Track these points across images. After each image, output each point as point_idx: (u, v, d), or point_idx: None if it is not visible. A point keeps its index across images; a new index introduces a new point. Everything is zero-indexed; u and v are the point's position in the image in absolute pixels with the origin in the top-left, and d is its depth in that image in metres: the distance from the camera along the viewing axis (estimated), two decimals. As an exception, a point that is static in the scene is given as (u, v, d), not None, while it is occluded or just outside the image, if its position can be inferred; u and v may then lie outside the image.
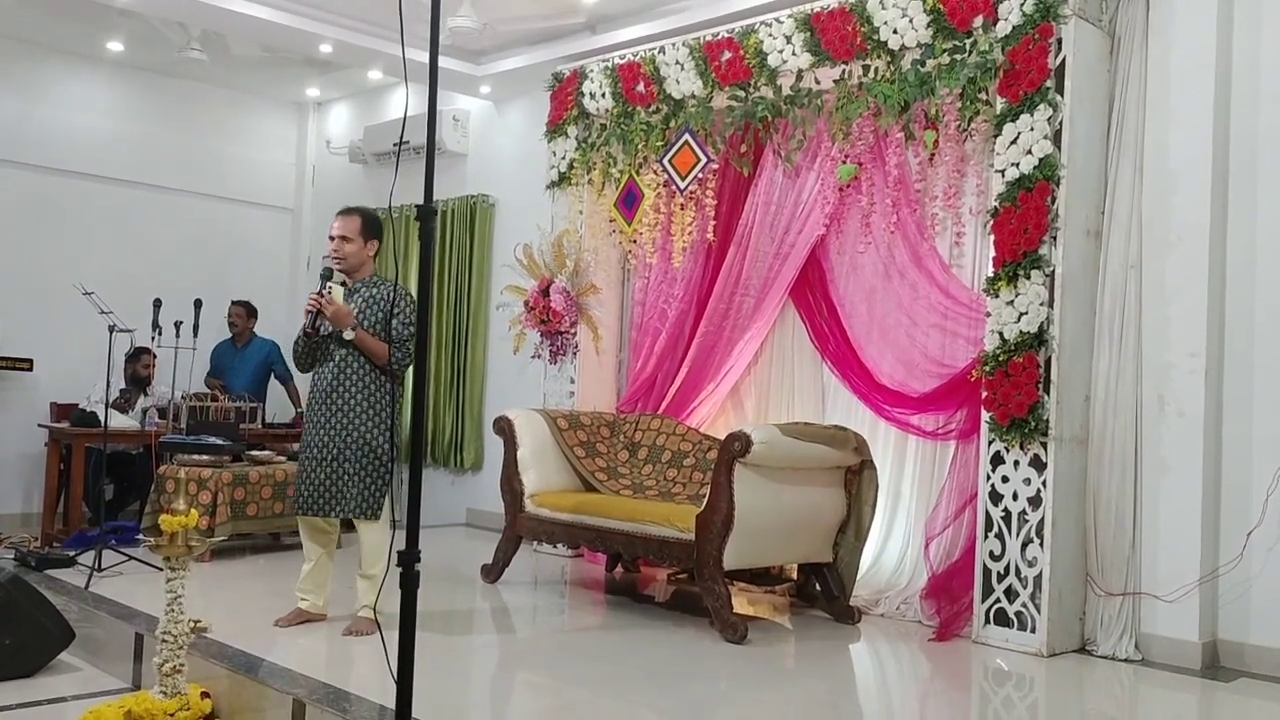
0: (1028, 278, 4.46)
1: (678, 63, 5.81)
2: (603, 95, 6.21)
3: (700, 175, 5.82)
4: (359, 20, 6.67)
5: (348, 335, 4.30)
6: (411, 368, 3.79)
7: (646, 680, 4.02)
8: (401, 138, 3.25)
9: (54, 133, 7.88)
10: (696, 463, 5.55)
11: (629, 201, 6.18)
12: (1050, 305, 4.45)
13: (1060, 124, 4.46)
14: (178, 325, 6.39)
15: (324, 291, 4.29)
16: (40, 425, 7.24)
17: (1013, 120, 4.54)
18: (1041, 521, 4.45)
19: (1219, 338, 4.49)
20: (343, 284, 4.47)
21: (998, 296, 4.55)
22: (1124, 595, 4.48)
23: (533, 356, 6.39)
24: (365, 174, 8.69)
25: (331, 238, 4.44)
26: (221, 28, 6.85)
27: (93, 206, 8.05)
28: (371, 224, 4.44)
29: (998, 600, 4.56)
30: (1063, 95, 4.46)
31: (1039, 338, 4.44)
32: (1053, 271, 4.46)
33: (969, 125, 4.77)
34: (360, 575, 4.41)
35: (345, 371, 4.35)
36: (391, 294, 4.37)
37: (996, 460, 4.60)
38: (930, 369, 5.18)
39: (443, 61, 3.18)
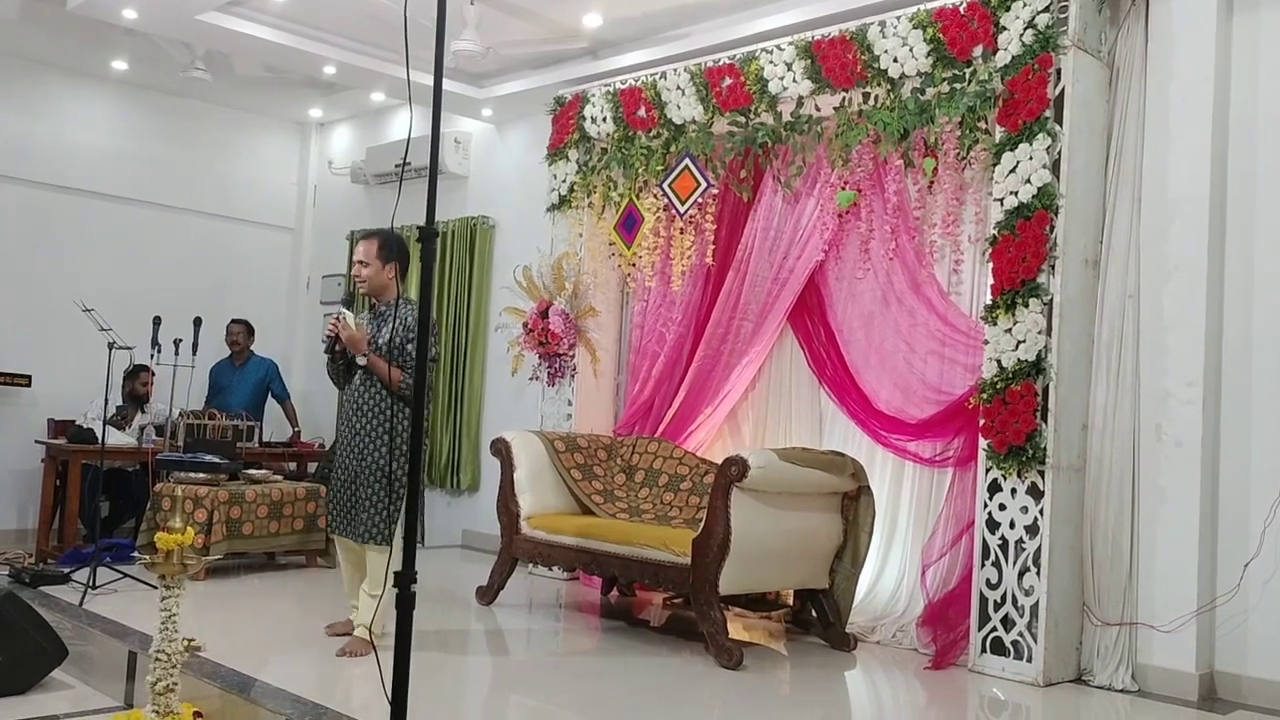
0: (1026, 306, 4.47)
1: (679, 88, 5.84)
2: (604, 119, 6.24)
3: (700, 200, 5.85)
4: (363, 42, 6.71)
5: (360, 361, 4.34)
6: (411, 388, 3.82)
7: (641, 705, 4.00)
8: (404, 160, 3.27)
9: (57, 150, 7.91)
10: (693, 487, 5.54)
11: (629, 225, 6.20)
12: (1048, 334, 4.46)
13: (1059, 153, 4.49)
14: (177, 343, 6.40)
15: (338, 316, 4.34)
16: (37, 441, 7.23)
17: (1012, 149, 4.56)
18: (1038, 550, 4.44)
19: (1216, 367, 4.50)
20: (371, 308, 4.51)
21: (996, 324, 4.57)
22: (1121, 625, 4.47)
23: (531, 378, 6.40)
24: (367, 195, 8.72)
25: (353, 263, 4.48)
26: (226, 48, 6.88)
27: (94, 224, 8.07)
28: (389, 246, 4.43)
29: (994, 629, 4.55)
30: (1061, 125, 4.49)
31: (1037, 366, 4.45)
32: (1051, 300, 4.47)
33: (968, 153, 4.80)
34: (366, 593, 4.40)
35: (364, 396, 4.39)
36: (410, 318, 4.38)
37: (994, 488, 4.59)
38: (928, 396, 5.19)
39: (445, 84, 3.19)
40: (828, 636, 4.96)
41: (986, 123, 4.73)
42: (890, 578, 5.32)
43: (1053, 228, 4.46)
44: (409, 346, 4.30)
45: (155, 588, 3.64)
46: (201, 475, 6.00)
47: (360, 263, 4.41)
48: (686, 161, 5.87)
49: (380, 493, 4.30)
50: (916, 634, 4.93)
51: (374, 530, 4.31)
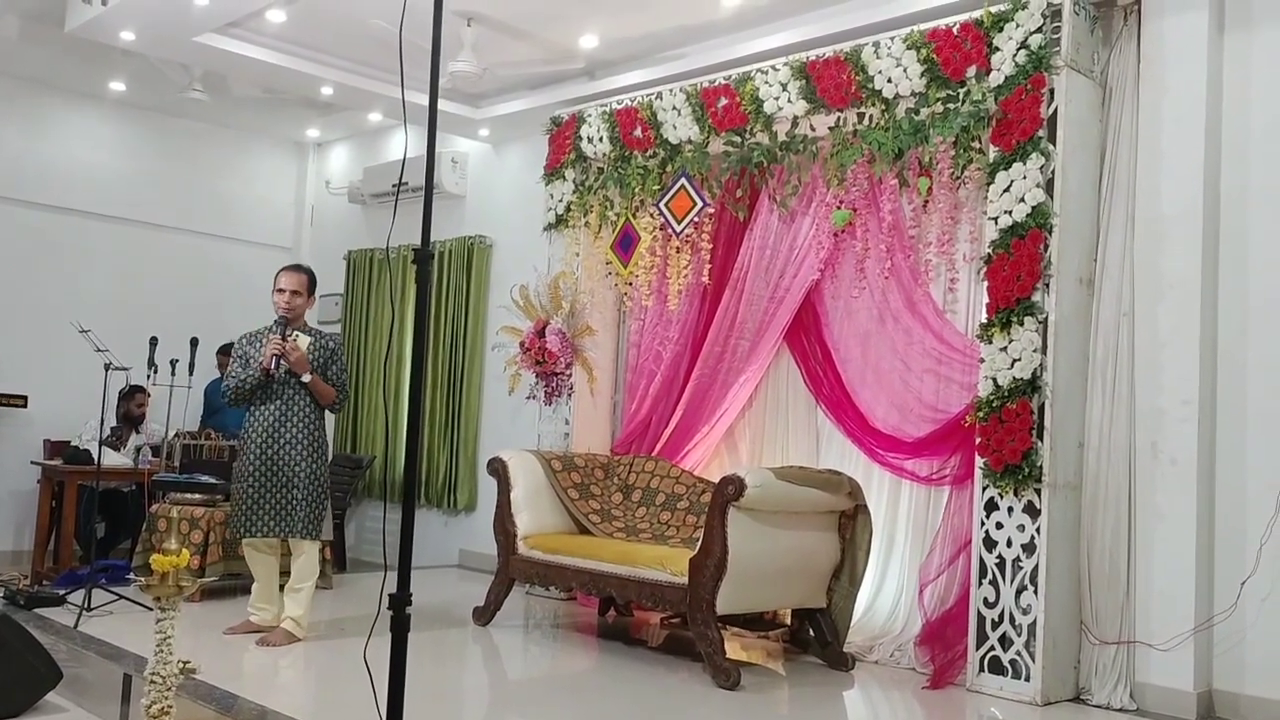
0: (1021, 324, 4.48)
1: (675, 108, 5.87)
2: (600, 139, 6.26)
3: (696, 219, 5.86)
4: (359, 63, 6.74)
5: (305, 379, 4.85)
6: (407, 407, 3.91)
7: (638, 726, 3.99)
8: (400, 179, 3.28)
9: (55, 170, 7.93)
10: (690, 506, 5.54)
11: (625, 244, 6.22)
12: (1043, 352, 4.47)
13: (1052, 172, 4.51)
14: (173, 363, 6.39)
15: (294, 338, 4.83)
16: (33, 462, 7.22)
17: (1005, 168, 4.58)
18: (1036, 568, 4.44)
19: (1211, 385, 4.50)
20: (281, 333, 4.95)
21: (991, 342, 4.58)
22: (1118, 644, 4.46)
23: (528, 397, 6.40)
24: (363, 214, 8.74)
25: (281, 290, 4.92)
26: (223, 69, 6.91)
27: (92, 244, 8.08)
28: (314, 282, 5.08)
29: (992, 648, 4.54)
30: (1055, 144, 4.51)
31: (1032, 384, 4.45)
32: (1046, 318, 4.48)
33: (962, 173, 4.82)
34: (291, 589, 4.90)
35: (292, 408, 4.88)
36: (330, 344, 4.98)
37: (990, 506, 4.59)
38: (924, 414, 5.19)
39: (442, 104, 3.21)
40: (825, 656, 4.95)
41: (980, 142, 4.75)
42: (888, 597, 5.31)
43: (1047, 246, 4.48)
44: (329, 370, 4.92)
45: (150, 609, 3.63)
46: (197, 496, 5.98)
47: (294, 293, 4.92)
48: (682, 181, 5.89)
49: (313, 493, 4.86)
50: (914, 653, 4.91)
51: (309, 527, 4.85)
